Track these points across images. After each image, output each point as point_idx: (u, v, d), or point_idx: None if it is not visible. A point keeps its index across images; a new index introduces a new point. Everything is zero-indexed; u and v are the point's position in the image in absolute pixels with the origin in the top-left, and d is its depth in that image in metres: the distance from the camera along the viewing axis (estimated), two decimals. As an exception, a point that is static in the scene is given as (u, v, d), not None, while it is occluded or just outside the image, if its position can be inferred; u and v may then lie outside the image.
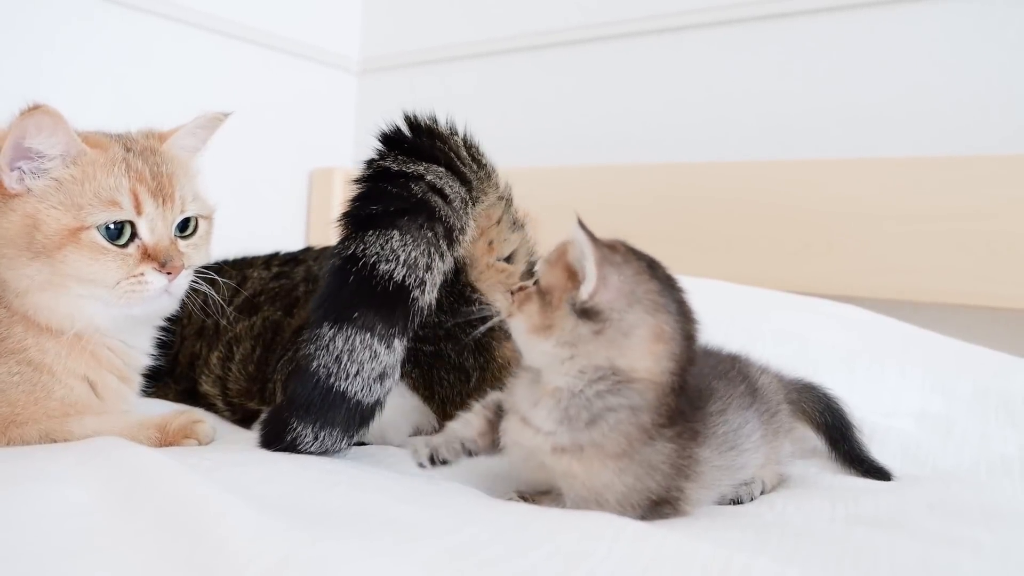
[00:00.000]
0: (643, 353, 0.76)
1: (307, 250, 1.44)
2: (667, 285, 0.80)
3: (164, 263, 0.97)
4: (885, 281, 1.65)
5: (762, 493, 0.94)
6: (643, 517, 0.78)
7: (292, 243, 2.03)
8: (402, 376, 1.08)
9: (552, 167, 2.11)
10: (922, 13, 1.73)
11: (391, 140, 1.05)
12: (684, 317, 0.80)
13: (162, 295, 0.99)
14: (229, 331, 1.26)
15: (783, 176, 1.79)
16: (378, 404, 0.98)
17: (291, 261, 1.39)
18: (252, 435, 1.13)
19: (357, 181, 1.04)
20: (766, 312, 1.38)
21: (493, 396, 0.89)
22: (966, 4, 1.69)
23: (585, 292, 0.75)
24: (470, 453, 0.88)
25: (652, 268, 0.80)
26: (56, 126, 0.92)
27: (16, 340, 0.97)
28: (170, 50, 2.18)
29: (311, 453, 0.96)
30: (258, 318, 1.25)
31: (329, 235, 2.40)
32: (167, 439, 1.01)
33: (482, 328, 0.90)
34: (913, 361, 1.24)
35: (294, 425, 0.97)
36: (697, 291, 1.47)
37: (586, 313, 0.75)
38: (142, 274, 0.96)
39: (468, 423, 0.87)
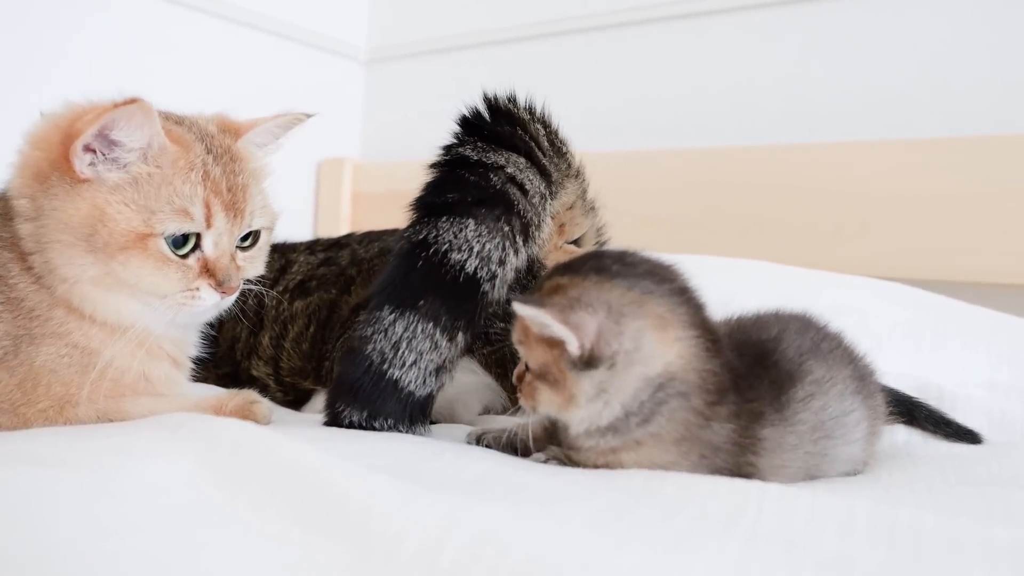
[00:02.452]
0: (660, 348, 0.73)
1: (349, 235, 1.41)
2: (633, 271, 0.76)
3: (222, 282, 0.92)
4: (922, 262, 1.64)
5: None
6: None
7: (300, 234, 1.98)
8: (473, 353, 1.04)
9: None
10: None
11: (471, 124, 1.01)
12: (668, 281, 0.76)
13: (211, 310, 0.95)
14: (284, 311, 1.21)
15: (813, 159, 1.78)
16: (431, 399, 0.94)
17: (335, 246, 1.36)
18: (311, 416, 1.08)
19: (433, 166, 1.00)
20: (818, 289, 1.35)
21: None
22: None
23: (573, 350, 0.72)
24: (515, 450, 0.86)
25: (608, 270, 0.75)
26: (146, 121, 0.86)
27: (58, 323, 0.91)
28: (176, 35, 2.11)
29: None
30: (314, 297, 1.20)
31: (339, 226, 2.36)
32: (224, 420, 0.96)
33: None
34: (974, 334, 1.23)
35: (340, 409, 0.92)
36: (745, 271, 1.46)
37: (590, 362, 0.73)
38: (197, 289, 0.91)
39: (524, 428, 0.85)
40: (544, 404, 0.77)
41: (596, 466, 0.77)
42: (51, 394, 0.90)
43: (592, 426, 0.75)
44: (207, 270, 0.92)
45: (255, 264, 1.01)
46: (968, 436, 0.98)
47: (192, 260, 0.91)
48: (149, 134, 0.87)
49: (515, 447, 0.85)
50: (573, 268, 0.77)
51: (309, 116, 1.04)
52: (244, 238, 0.98)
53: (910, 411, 1.03)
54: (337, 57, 2.51)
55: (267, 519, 0.58)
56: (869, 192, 1.70)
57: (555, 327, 0.71)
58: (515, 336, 0.79)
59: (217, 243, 0.92)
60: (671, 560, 0.50)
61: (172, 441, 0.74)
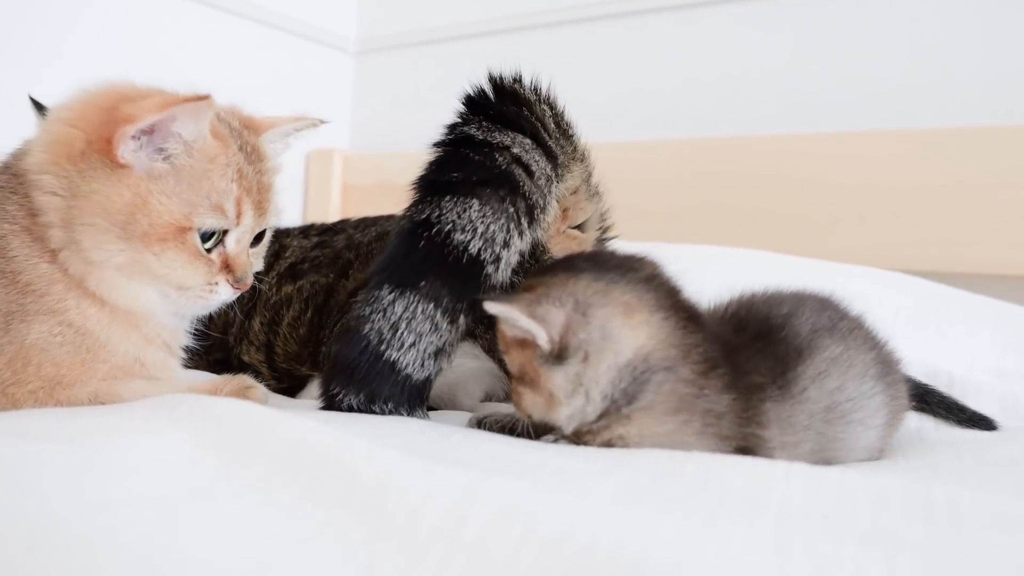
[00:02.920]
0: (630, 335, 0.73)
1: (344, 220, 1.38)
2: (600, 266, 0.77)
3: (239, 279, 0.91)
4: (918, 253, 1.63)
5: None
6: None
7: (290, 224, 1.94)
8: (476, 338, 1.02)
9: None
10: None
11: (475, 104, 0.99)
12: (635, 271, 0.77)
13: (220, 304, 0.94)
14: (273, 296, 1.18)
15: (808, 150, 1.77)
16: (428, 383, 0.91)
17: (329, 231, 1.33)
18: (307, 403, 1.05)
19: (437, 145, 0.97)
20: (818, 277, 1.33)
21: None
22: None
23: (543, 343, 0.73)
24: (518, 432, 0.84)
25: (576, 267, 0.77)
26: (206, 118, 0.85)
27: (56, 299, 0.88)
28: (163, 23, 2.07)
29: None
30: (305, 281, 1.17)
31: (328, 217, 2.33)
32: (220, 405, 0.93)
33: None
34: (979, 321, 1.22)
35: (335, 391, 0.89)
36: (745, 260, 1.45)
37: (561, 356, 0.73)
38: (216, 283, 0.91)
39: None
40: (531, 408, 0.77)
41: (600, 445, 0.75)
42: (41, 374, 0.86)
43: (582, 423, 0.75)
44: (227, 266, 0.91)
45: (259, 260, 1.00)
46: (983, 422, 0.96)
47: (215, 255, 0.90)
48: (200, 129, 0.86)
49: (519, 433, 0.82)
50: (544, 270, 0.80)
51: (324, 122, 1.05)
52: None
53: (922, 397, 1.01)
54: (326, 47, 2.48)
55: (273, 493, 0.55)
56: (865, 183, 1.69)
57: (523, 321, 0.72)
58: (500, 346, 0.79)
59: (239, 240, 0.91)
60: (706, 534, 0.48)
61: (170, 419, 0.71)
